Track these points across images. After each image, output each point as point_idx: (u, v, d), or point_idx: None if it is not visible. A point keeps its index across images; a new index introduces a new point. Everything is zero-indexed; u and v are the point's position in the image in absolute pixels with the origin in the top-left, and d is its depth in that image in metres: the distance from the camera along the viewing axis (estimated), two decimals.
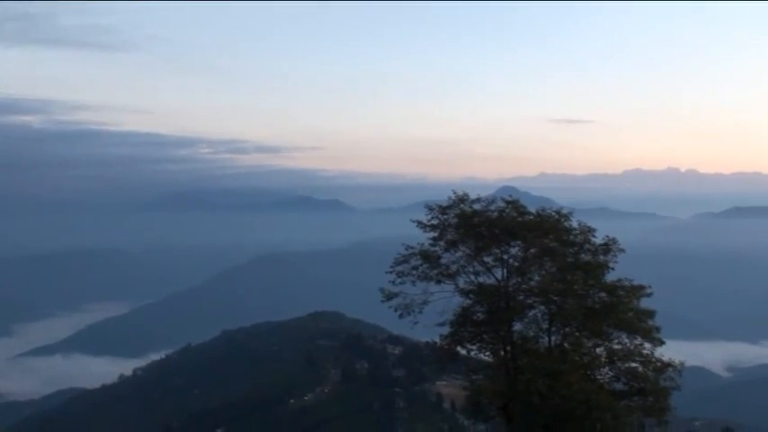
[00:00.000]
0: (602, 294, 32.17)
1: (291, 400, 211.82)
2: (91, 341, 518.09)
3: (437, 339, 33.55)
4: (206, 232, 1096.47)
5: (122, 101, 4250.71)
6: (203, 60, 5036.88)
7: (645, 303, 32.67)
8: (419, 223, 34.00)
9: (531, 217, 32.96)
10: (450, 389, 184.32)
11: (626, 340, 32.16)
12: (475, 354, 33.65)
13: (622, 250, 33.00)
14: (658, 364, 31.84)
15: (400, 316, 32.79)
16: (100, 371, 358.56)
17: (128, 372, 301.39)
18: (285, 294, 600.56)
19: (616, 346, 32.28)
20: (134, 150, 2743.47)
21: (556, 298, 32.15)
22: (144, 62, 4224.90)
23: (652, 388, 31.87)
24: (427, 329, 34.04)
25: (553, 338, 32.95)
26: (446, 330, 33.10)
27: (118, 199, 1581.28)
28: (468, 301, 32.99)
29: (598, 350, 32.67)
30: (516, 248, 33.05)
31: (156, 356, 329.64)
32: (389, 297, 32.85)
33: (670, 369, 31.91)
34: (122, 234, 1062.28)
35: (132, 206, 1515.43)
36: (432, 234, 33.48)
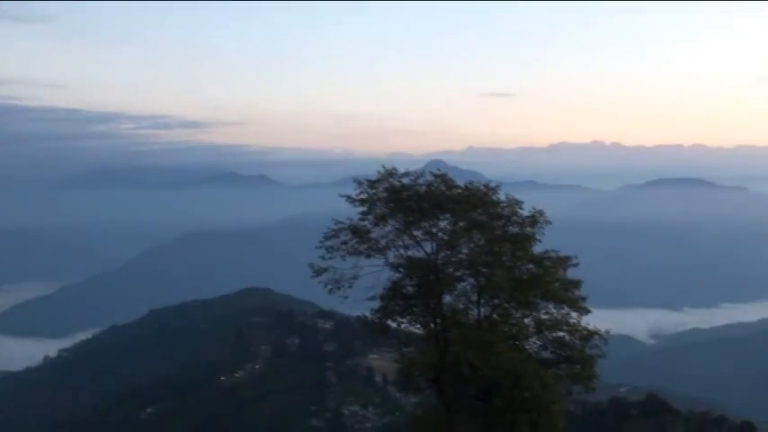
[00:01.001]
0: (530, 266, 32.56)
1: (222, 378, 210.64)
2: (13, 322, 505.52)
3: (368, 314, 33.56)
4: (130, 210, 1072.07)
5: (38, 75, 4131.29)
6: (123, 33, 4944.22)
7: (571, 274, 33.21)
8: (348, 198, 33.55)
9: (460, 190, 32.91)
10: (381, 362, 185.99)
11: (553, 310, 32.65)
12: (405, 327, 33.72)
13: (549, 222, 33.26)
14: (585, 332, 32.46)
15: (330, 291, 32.54)
16: (24, 353, 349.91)
17: (53, 353, 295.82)
18: (213, 272, 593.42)
19: (543, 316, 32.76)
20: (52, 126, 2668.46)
21: (484, 270, 32.41)
22: (60, 34, 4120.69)
23: (579, 356, 32.51)
24: (358, 304, 33.95)
25: (482, 310, 33.19)
26: (376, 304, 33.08)
27: (37, 177, 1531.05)
28: (398, 275, 32.93)
29: (526, 320, 33.11)
30: (445, 222, 33.00)
31: (82, 337, 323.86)
32: (319, 272, 32.61)
33: (596, 337, 32.57)
34: (43, 213, 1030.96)
35: (53, 184, 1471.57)
36: (361, 208, 33.13)
